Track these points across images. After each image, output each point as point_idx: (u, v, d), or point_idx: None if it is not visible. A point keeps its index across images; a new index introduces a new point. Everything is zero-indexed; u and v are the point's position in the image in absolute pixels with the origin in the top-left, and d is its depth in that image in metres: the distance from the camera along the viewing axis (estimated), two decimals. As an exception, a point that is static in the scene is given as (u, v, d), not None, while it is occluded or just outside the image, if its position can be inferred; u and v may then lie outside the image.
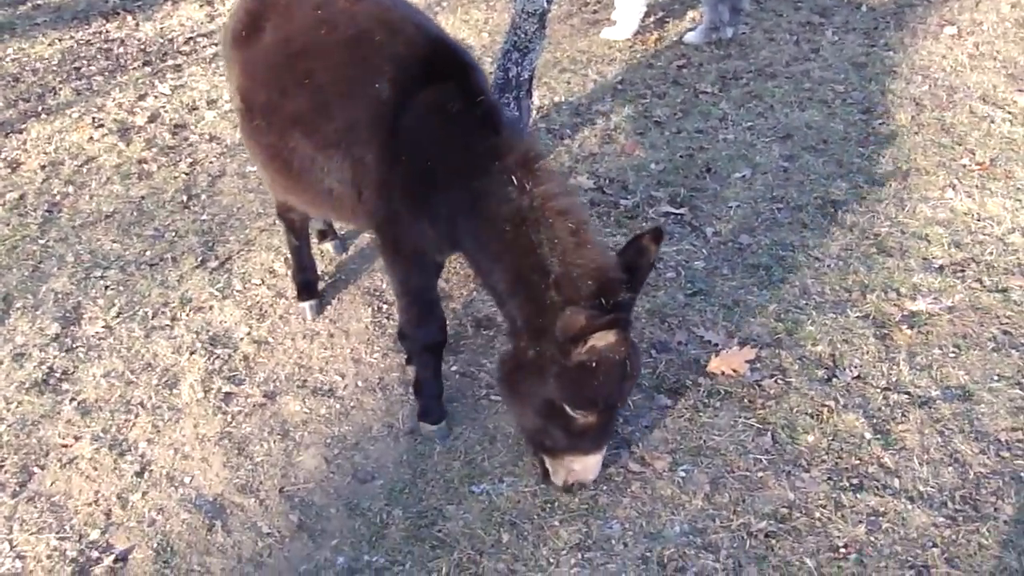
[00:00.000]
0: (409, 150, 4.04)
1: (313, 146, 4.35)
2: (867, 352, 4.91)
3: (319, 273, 5.58)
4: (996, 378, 4.73)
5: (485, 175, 3.84)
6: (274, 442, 4.65)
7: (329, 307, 5.46)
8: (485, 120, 3.96)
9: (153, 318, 5.45)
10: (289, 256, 5.54)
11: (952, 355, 4.87)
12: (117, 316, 5.45)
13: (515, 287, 3.81)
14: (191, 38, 9.05)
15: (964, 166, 6.38)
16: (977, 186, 6.15)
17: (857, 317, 5.14)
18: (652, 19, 8.87)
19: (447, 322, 4.61)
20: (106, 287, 5.68)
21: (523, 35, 4.42)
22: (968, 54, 7.89)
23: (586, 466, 4.06)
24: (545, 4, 4.33)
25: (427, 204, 4.07)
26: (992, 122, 6.86)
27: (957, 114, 7.00)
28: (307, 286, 5.44)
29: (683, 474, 4.34)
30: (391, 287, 4.55)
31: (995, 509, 4.07)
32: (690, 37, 8.45)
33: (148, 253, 5.98)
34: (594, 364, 3.60)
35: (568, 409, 3.76)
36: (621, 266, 3.70)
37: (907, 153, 6.56)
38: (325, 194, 4.45)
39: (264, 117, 4.55)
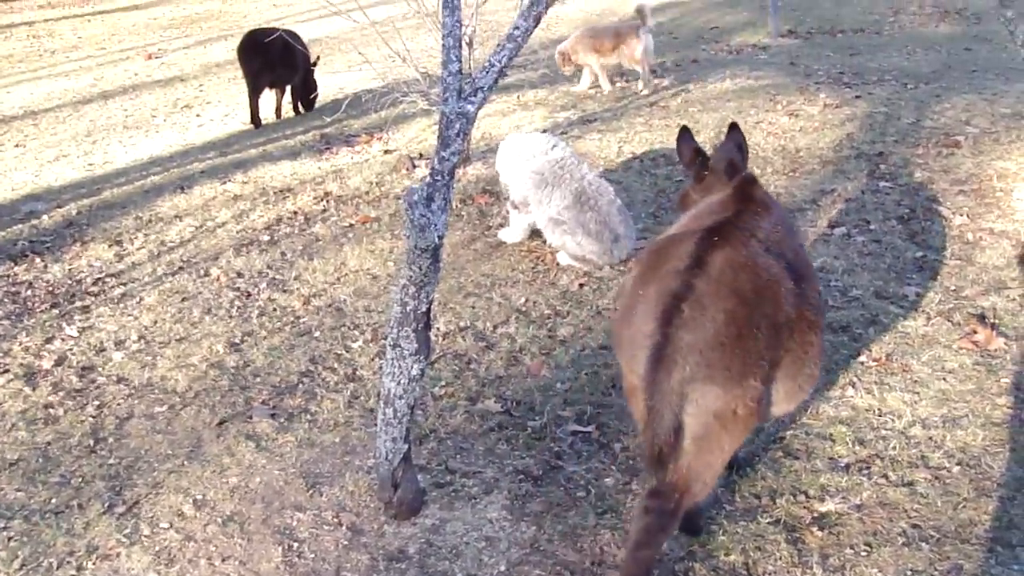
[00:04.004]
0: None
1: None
2: (780, 558, 4.92)
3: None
4: (909, 573, 4.75)
5: None
6: None
7: (238, 547, 5.33)
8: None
9: (58, 568, 5.27)
10: None
11: (864, 553, 4.90)
12: (20, 568, 5.27)
13: None
14: (99, 278, 9.07)
15: (862, 363, 6.55)
16: (876, 382, 6.31)
17: (768, 523, 5.17)
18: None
19: None
20: (9, 538, 5.51)
21: (418, 270, 4.53)
22: (858, 252, 8.21)
23: None
24: (436, 240, 4.44)
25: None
26: (886, 316, 7.09)
27: (852, 312, 7.23)
28: None
29: None
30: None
31: None
32: (504, 234, 9.15)
33: (54, 501, 5.84)
34: None
35: None
36: None
37: (806, 354, 6.70)
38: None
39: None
